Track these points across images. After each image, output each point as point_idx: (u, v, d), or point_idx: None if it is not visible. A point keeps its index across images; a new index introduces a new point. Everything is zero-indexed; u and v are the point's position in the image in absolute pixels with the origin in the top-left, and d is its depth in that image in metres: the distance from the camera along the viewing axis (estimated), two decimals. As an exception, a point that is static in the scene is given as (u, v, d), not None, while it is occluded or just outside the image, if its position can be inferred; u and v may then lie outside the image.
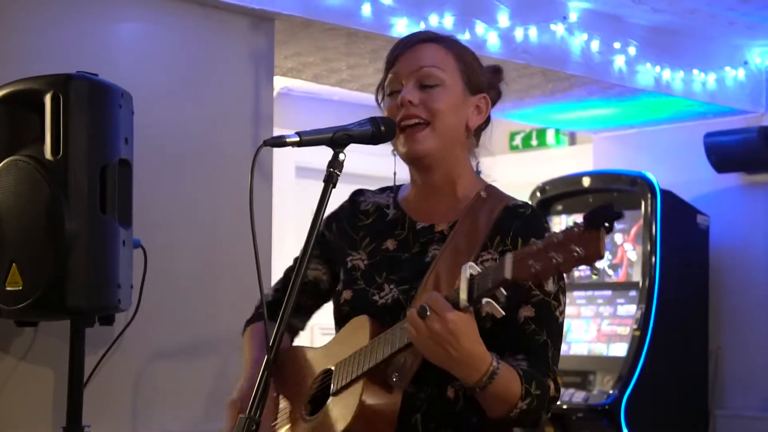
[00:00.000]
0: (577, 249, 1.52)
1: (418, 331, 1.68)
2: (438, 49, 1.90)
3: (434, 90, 1.86)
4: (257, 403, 1.69)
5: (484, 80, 1.94)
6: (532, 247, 1.57)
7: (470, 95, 1.90)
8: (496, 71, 1.99)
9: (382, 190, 2.02)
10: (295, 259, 1.96)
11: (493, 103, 1.96)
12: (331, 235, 2.00)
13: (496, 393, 1.72)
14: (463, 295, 1.65)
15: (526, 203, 1.90)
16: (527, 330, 1.80)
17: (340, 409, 1.79)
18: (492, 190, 1.92)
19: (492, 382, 1.70)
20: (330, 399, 1.83)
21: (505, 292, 1.64)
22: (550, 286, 1.81)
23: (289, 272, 2.06)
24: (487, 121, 1.96)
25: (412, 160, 1.89)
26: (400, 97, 1.86)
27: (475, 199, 1.89)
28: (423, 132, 1.85)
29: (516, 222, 1.83)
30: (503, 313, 1.65)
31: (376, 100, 1.95)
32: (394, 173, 1.96)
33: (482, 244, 1.83)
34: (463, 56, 1.92)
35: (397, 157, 1.92)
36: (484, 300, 1.64)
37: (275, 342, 1.71)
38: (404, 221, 1.93)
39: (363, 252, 1.94)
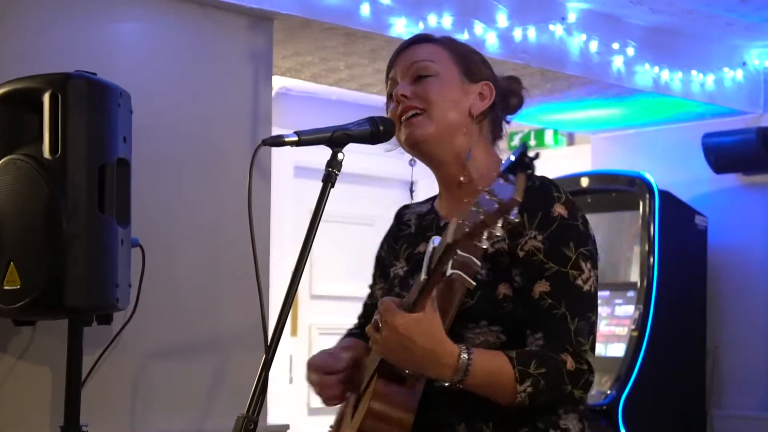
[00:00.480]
0: (497, 198, 1.54)
1: (378, 345, 1.72)
2: (430, 45, 1.94)
3: (426, 80, 1.89)
4: (255, 402, 1.69)
5: (485, 70, 1.94)
6: (470, 207, 1.58)
7: (470, 82, 1.91)
8: (512, 79, 2.00)
9: (427, 200, 2.06)
10: (369, 288, 2.08)
11: (514, 110, 1.98)
12: (384, 252, 2.06)
13: (480, 383, 1.71)
14: (423, 270, 1.65)
15: (539, 176, 1.85)
16: (543, 305, 1.76)
17: (361, 408, 1.80)
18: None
19: (468, 374, 1.69)
20: (361, 400, 1.85)
21: (478, 263, 1.63)
22: (567, 253, 1.77)
23: (364, 303, 2.13)
24: (516, 107, 1.97)
25: (412, 147, 1.90)
26: (393, 94, 1.90)
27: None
28: (419, 118, 1.88)
29: (525, 197, 1.82)
30: (473, 283, 1.66)
31: (386, 108, 1.97)
32: (411, 182, 1.98)
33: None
34: (458, 48, 1.94)
35: (414, 166, 1.95)
36: (449, 272, 1.63)
37: (273, 342, 1.71)
38: (434, 222, 1.96)
39: (402, 260, 1.98)
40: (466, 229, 1.56)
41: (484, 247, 1.60)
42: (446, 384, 1.72)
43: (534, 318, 1.77)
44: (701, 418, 5.10)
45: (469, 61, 1.93)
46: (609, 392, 4.73)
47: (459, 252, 1.62)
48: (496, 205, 1.54)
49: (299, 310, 5.83)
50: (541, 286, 1.77)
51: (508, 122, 2.00)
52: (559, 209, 1.81)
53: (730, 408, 5.13)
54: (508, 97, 1.97)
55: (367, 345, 1.99)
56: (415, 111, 1.88)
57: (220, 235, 3.50)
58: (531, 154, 1.58)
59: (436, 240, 1.66)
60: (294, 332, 5.81)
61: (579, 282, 1.78)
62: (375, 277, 2.09)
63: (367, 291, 2.12)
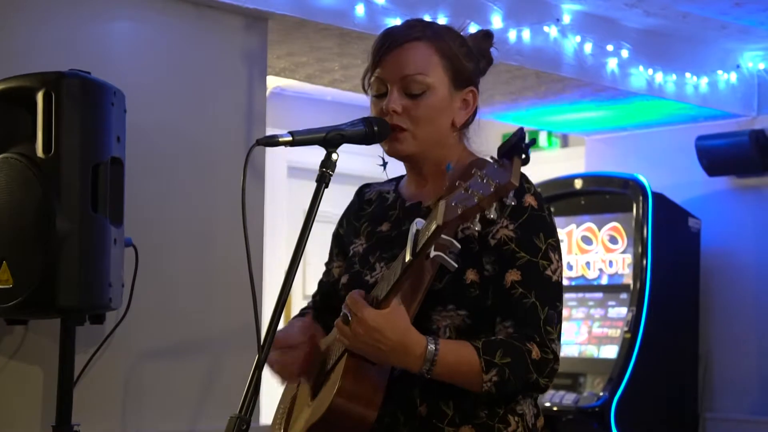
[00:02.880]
0: (493, 181, 1.54)
1: (347, 338, 1.74)
2: (422, 49, 1.87)
3: (418, 98, 1.86)
4: (248, 402, 1.69)
5: (472, 67, 1.92)
6: (460, 189, 1.58)
7: (457, 90, 1.90)
8: (487, 36, 1.97)
9: (390, 180, 2.06)
10: (326, 265, 2.08)
11: (483, 72, 1.95)
12: (342, 230, 2.07)
13: (447, 373, 1.74)
14: (408, 251, 1.66)
15: None
16: (515, 294, 1.79)
17: (329, 388, 1.81)
18: (482, 162, 1.91)
19: (435, 364, 1.72)
20: (325, 379, 1.86)
21: (458, 245, 1.64)
22: (537, 244, 1.80)
23: (320, 282, 2.12)
24: (484, 70, 1.95)
25: (393, 157, 1.92)
26: (384, 106, 1.87)
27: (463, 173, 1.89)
28: (403, 134, 1.87)
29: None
30: (455, 265, 1.67)
31: (363, 87, 1.95)
32: (383, 160, 1.96)
33: None
34: (450, 49, 1.89)
35: (386, 168, 1.97)
36: (433, 253, 1.64)
37: (267, 341, 1.71)
38: (397, 203, 1.97)
39: (362, 237, 1.98)
40: (459, 212, 1.57)
41: (477, 229, 1.62)
42: (416, 374, 1.74)
43: (504, 306, 1.80)
44: (693, 421, 5.11)
45: (459, 65, 1.90)
46: (601, 394, 4.73)
47: (442, 235, 1.63)
48: (492, 189, 1.54)
49: (292, 310, 5.83)
50: (513, 275, 1.80)
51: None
52: (530, 200, 1.84)
53: (722, 411, 5.14)
54: (480, 60, 1.95)
55: (319, 326, 2.01)
56: (401, 127, 1.87)
57: (214, 235, 3.50)
58: (527, 140, 1.57)
59: (419, 222, 1.68)
60: (287, 332, 5.80)
61: (548, 272, 1.82)
62: (332, 254, 2.08)
63: (324, 269, 2.11)
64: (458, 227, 1.77)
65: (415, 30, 1.91)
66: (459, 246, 1.65)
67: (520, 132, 1.58)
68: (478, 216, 1.58)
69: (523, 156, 1.57)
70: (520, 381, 1.76)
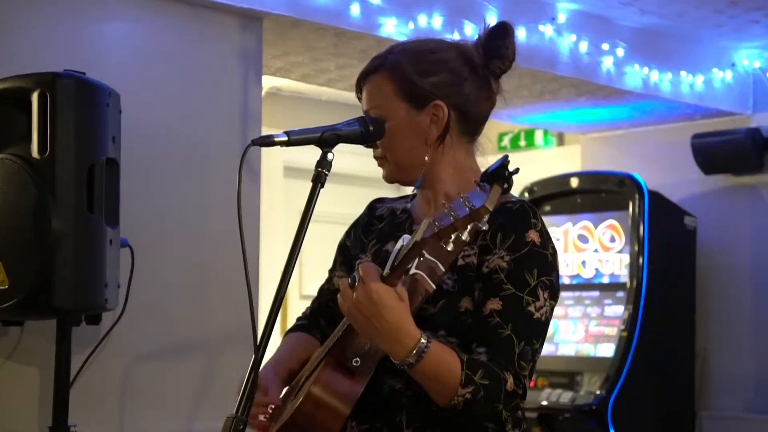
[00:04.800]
0: (470, 204, 1.57)
1: (345, 300, 1.72)
2: (377, 81, 1.90)
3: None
4: (244, 403, 1.69)
5: (431, 83, 1.88)
6: (444, 209, 1.61)
7: (418, 110, 1.88)
8: (497, 32, 1.96)
9: (404, 197, 2.07)
10: (329, 272, 2.09)
11: (496, 73, 1.93)
12: (349, 242, 2.06)
13: (427, 373, 1.71)
14: (388, 265, 1.68)
15: (519, 200, 1.87)
16: (491, 323, 1.77)
17: (301, 395, 1.82)
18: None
19: (420, 360, 1.69)
20: (303, 387, 1.87)
21: (442, 268, 1.66)
22: (527, 279, 1.78)
23: (321, 288, 2.12)
24: (510, 59, 1.95)
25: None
26: None
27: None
28: (383, 162, 1.93)
29: (501, 218, 1.82)
30: (434, 286, 1.67)
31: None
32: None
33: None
34: (404, 75, 1.88)
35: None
36: (413, 270, 1.65)
37: (262, 342, 1.71)
38: (406, 224, 1.97)
39: (369, 255, 1.97)
40: (435, 230, 1.59)
41: (449, 249, 1.62)
42: (395, 363, 1.72)
43: (479, 332, 1.78)
44: (690, 419, 5.12)
45: (412, 87, 1.88)
46: (598, 393, 4.73)
47: (427, 255, 1.65)
48: (467, 211, 1.57)
49: (289, 311, 5.83)
50: (493, 304, 1.78)
51: (498, 82, 1.96)
52: (533, 236, 1.81)
53: (719, 408, 5.15)
54: (490, 62, 1.92)
55: (315, 338, 2.02)
56: (380, 157, 1.92)
57: (210, 236, 3.50)
58: (510, 168, 1.60)
59: (405, 238, 1.69)
60: (283, 333, 5.80)
61: (531, 309, 1.78)
62: (336, 263, 2.08)
63: (326, 276, 2.11)
64: (459, 254, 1.79)
65: (376, 61, 1.94)
66: (443, 269, 1.66)
67: (504, 159, 1.61)
68: (453, 236, 1.60)
69: (505, 185, 1.60)
70: (487, 407, 1.72)
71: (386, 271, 1.68)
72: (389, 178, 1.94)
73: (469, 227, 1.58)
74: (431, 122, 1.89)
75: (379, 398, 1.82)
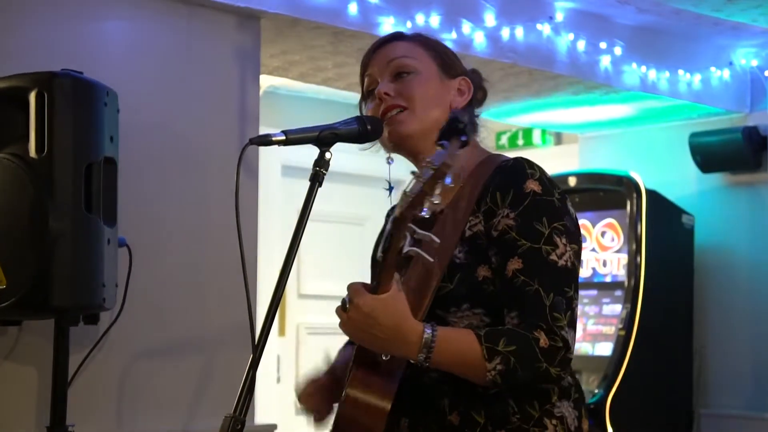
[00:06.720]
0: (431, 165, 1.55)
1: (343, 324, 1.73)
2: (404, 43, 1.94)
3: (408, 77, 1.89)
4: (242, 402, 1.69)
5: (460, 66, 1.95)
6: (415, 180, 1.60)
7: (448, 78, 1.92)
8: (475, 72, 2.01)
9: None
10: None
11: (480, 103, 1.98)
12: (375, 255, 2.07)
13: (447, 360, 1.70)
14: (380, 249, 1.68)
15: (516, 157, 1.86)
16: (516, 283, 1.74)
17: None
18: (492, 158, 1.90)
19: (432, 351, 1.69)
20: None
21: (436, 239, 1.66)
22: (539, 229, 1.75)
23: None
24: (482, 100, 1.97)
25: (396, 143, 1.90)
26: (376, 92, 1.89)
27: (472, 171, 1.87)
28: (403, 115, 1.88)
29: (497, 178, 1.81)
30: (431, 259, 1.68)
31: (360, 112, 1.96)
32: (389, 185, 1.96)
33: (471, 210, 1.82)
34: (433, 45, 1.95)
35: (392, 164, 1.94)
36: (406, 248, 1.66)
37: (260, 341, 1.71)
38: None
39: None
40: (409, 200, 1.58)
41: (426, 216, 1.61)
42: (415, 363, 1.72)
43: (508, 296, 1.75)
44: (688, 417, 5.12)
45: (445, 57, 1.94)
46: (596, 391, 4.73)
47: (418, 230, 1.65)
48: (431, 172, 1.55)
49: (287, 310, 5.82)
50: (514, 264, 1.75)
51: (477, 116, 2.00)
52: (532, 185, 1.79)
53: (717, 406, 5.15)
54: (477, 91, 1.98)
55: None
56: (398, 109, 1.88)
57: (208, 235, 3.49)
58: (463, 119, 1.60)
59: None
60: (282, 332, 5.80)
61: (553, 257, 1.75)
62: (372, 278, 2.10)
63: None
64: (465, 225, 1.78)
65: (397, 33, 1.98)
66: (437, 240, 1.66)
67: (453, 113, 1.62)
68: (427, 203, 1.57)
69: (463, 138, 1.58)
70: (528, 370, 1.69)
71: (379, 254, 1.67)
72: (405, 130, 1.87)
73: (437, 188, 1.55)
74: (457, 92, 1.92)
75: (422, 391, 1.81)
